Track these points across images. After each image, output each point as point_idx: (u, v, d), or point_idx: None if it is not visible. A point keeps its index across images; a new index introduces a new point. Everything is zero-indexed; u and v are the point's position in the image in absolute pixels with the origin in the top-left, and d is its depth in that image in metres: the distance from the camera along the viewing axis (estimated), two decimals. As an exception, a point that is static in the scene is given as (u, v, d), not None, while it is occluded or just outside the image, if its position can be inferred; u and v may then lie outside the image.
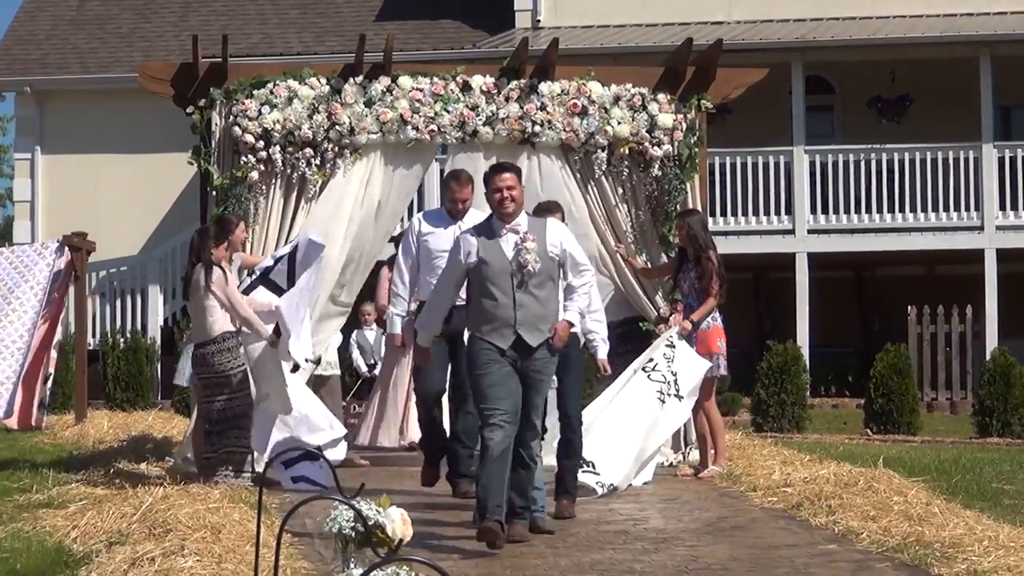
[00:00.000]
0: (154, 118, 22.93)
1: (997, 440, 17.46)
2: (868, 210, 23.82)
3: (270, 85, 12.95)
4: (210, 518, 9.07)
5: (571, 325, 9.24)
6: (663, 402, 11.82)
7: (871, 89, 25.40)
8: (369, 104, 12.96)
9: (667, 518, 10.22)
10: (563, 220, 10.49)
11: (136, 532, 9.05)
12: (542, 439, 9.43)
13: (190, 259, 11.75)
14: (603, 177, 13.19)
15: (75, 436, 16.41)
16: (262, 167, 12.86)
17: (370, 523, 6.44)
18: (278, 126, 12.84)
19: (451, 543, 9.12)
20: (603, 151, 13.13)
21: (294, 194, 12.94)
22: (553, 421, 10.26)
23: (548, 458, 10.13)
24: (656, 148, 13.14)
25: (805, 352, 20.95)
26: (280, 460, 11.14)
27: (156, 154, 25.02)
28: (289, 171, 12.90)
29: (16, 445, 15.41)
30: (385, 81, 13.03)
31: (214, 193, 12.91)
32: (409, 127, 12.97)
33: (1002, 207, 23.59)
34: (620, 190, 13.23)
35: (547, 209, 10.54)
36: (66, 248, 14.52)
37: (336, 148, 12.93)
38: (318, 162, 12.92)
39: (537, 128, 13.05)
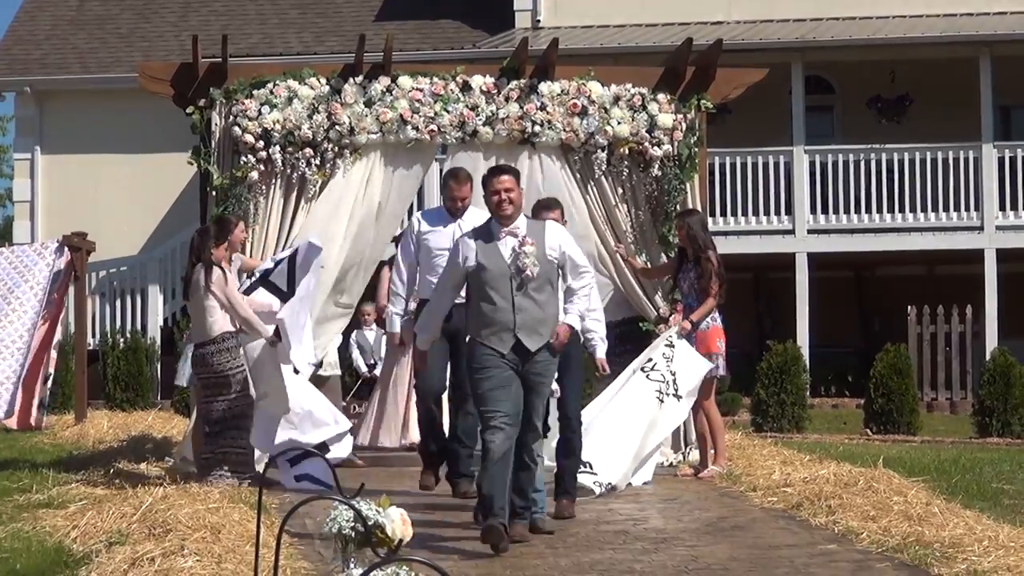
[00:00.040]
0: (154, 118, 22.93)
1: (997, 440, 17.47)
2: (868, 210, 23.82)
3: (270, 85, 12.95)
4: (210, 518, 9.07)
5: (572, 328, 9.23)
6: (661, 401, 11.83)
7: (871, 89, 25.40)
8: (369, 104, 12.96)
9: (667, 518, 10.22)
10: (562, 216, 10.47)
11: (136, 532, 9.05)
12: (544, 438, 9.43)
13: (190, 259, 11.75)
14: (603, 177, 13.19)
15: (75, 436, 16.41)
16: (262, 167, 12.86)
17: (370, 523, 6.44)
18: (278, 126, 12.84)
19: (451, 543, 9.12)
20: (603, 151, 13.13)
21: (294, 194, 12.94)
22: (553, 421, 10.26)
23: (548, 459, 10.12)
24: (656, 148, 13.14)
25: (805, 352, 20.95)
26: (285, 458, 11.13)
27: (156, 154, 25.02)
28: (289, 171, 12.90)
29: (16, 445, 15.42)
30: (385, 81, 13.03)
31: (214, 193, 12.91)
32: (409, 127, 12.97)
33: (1002, 207, 23.59)
34: (620, 190, 13.23)
35: (546, 206, 10.50)
36: (66, 248, 14.51)
37: (336, 148, 12.93)
38: (318, 162, 12.92)
39: (537, 128, 13.05)
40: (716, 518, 10.15)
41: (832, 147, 24.39)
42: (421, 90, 13.02)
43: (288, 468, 11.36)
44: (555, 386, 9.68)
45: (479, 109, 13.03)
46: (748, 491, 11.23)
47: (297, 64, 14.21)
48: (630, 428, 11.64)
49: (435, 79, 13.08)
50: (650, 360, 11.98)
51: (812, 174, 23.95)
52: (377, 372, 15.50)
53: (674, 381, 11.87)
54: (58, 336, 14.53)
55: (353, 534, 6.50)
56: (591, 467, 11.03)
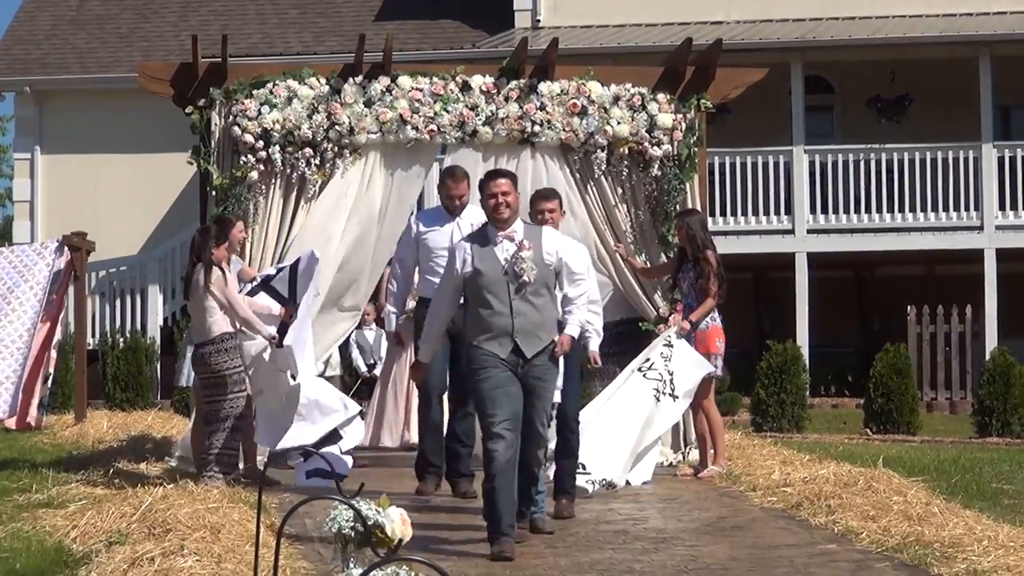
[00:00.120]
0: (154, 118, 22.93)
1: (997, 440, 17.47)
2: (868, 210, 23.82)
3: (270, 85, 12.95)
4: (209, 518, 9.07)
5: (574, 339, 9.19)
6: (658, 400, 11.83)
7: (871, 89, 25.40)
8: (369, 104, 12.96)
9: (667, 518, 10.22)
10: (560, 207, 10.42)
11: (136, 532, 9.05)
12: (547, 441, 9.37)
13: (191, 259, 11.75)
14: (603, 177, 13.19)
15: (75, 436, 16.40)
16: (262, 167, 12.86)
17: (370, 523, 6.45)
18: (278, 126, 12.84)
19: (451, 543, 9.12)
20: (603, 151, 13.13)
21: (294, 194, 12.94)
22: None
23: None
24: (656, 148, 13.14)
25: (805, 352, 20.95)
26: (298, 452, 11.06)
27: (156, 154, 25.02)
28: (289, 171, 12.89)
29: (16, 445, 15.41)
30: (385, 81, 13.03)
31: (214, 193, 12.91)
32: (408, 127, 12.97)
33: (1002, 207, 23.59)
34: (620, 190, 13.23)
35: (544, 196, 10.40)
36: (66, 248, 14.51)
37: (336, 148, 12.93)
38: (318, 162, 12.92)
39: (537, 128, 13.05)
40: (716, 518, 10.15)
41: (832, 147, 24.40)
42: (421, 90, 13.02)
43: (302, 465, 11.27)
44: (557, 396, 9.57)
45: (479, 109, 13.03)
46: (748, 491, 11.23)
47: (297, 64, 14.21)
48: (626, 425, 11.64)
49: (435, 79, 13.08)
50: (648, 360, 12.00)
51: (812, 174, 23.95)
52: (377, 372, 15.52)
53: (671, 381, 11.87)
54: (58, 336, 14.52)
55: (353, 534, 6.50)
56: (584, 467, 11.01)
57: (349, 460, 11.41)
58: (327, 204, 12.93)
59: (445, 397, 11.39)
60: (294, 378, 11.52)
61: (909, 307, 22.82)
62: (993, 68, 23.51)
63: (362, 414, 12.55)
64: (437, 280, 10.18)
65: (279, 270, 12.01)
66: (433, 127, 12.98)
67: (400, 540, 6.44)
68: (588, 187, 13.20)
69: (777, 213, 23.92)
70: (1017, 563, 8.14)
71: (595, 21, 25.35)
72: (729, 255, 16.26)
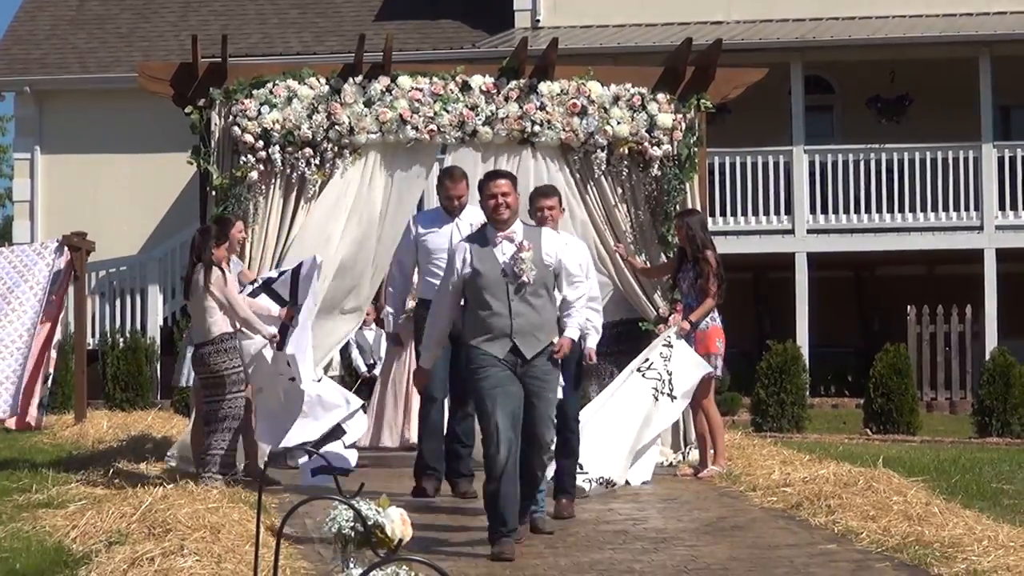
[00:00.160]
0: (154, 118, 22.93)
1: (996, 440, 17.47)
2: (868, 210, 23.82)
3: (269, 85, 12.95)
4: (209, 518, 9.07)
5: (573, 342, 9.17)
6: (656, 400, 11.84)
7: (871, 89, 25.40)
8: (368, 104, 12.96)
9: (667, 518, 10.22)
10: (560, 204, 10.39)
11: (136, 532, 9.05)
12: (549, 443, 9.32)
13: (191, 259, 11.74)
14: (602, 177, 13.19)
15: (74, 436, 16.40)
16: (262, 167, 12.86)
17: (369, 523, 6.45)
18: (277, 126, 12.84)
19: (451, 543, 9.13)
20: (602, 151, 13.13)
21: (294, 194, 12.94)
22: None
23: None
24: (655, 148, 13.14)
25: (805, 352, 20.95)
26: (304, 448, 11.04)
27: (156, 154, 25.02)
28: (289, 171, 12.89)
29: (16, 445, 15.41)
30: (384, 81, 13.03)
31: (214, 193, 12.91)
32: (408, 127, 12.97)
33: (1001, 207, 23.60)
34: (619, 190, 13.23)
35: (544, 194, 10.36)
36: (66, 248, 14.51)
37: (336, 148, 12.93)
38: (318, 162, 12.92)
39: (536, 128, 13.05)
40: (716, 518, 10.15)
41: (832, 147, 24.40)
42: (421, 90, 13.02)
43: (307, 464, 11.26)
44: (560, 394, 9.52)
45: (479, 109, 13.03)
46: (748, 491, 11.23)
47: (297, 64, 14.21)
48: (624, 423, 11.64)
49: (435, 79, 13.08)
50: (647, 360, 12.00)
51: (812, 174, 23.95)
52: (377, 372, 15.52)
53: (670, 381, 11.87)
54: (58, 336, 14.52)
55: (353, 534, 6.50)
56: (581, 467, 11.01)
57: (354, 454, 11.41)
58: (327, 204, 12.93)
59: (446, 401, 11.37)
60: (293, 380, 11.53)
61: (909, 307, 22.82)
62: (993, 68, 23.52)
63: (364, 407, 12.52)
64: (436, 281, 10.16)
65: (281, 273, 11.99)
66: (433, 127, 12.98)
67: (400, 540, 6.44)
68: (588, 187, 13.20)
69: (777, 213, 23.92)
70: (1017, 563, 8.14)
71: (595, 21, 25.35)
72: (729, 255, 16.26)
